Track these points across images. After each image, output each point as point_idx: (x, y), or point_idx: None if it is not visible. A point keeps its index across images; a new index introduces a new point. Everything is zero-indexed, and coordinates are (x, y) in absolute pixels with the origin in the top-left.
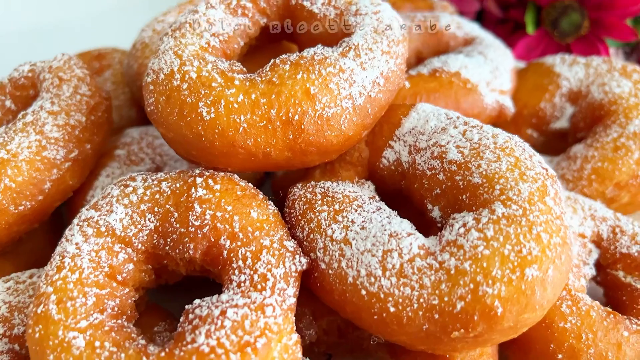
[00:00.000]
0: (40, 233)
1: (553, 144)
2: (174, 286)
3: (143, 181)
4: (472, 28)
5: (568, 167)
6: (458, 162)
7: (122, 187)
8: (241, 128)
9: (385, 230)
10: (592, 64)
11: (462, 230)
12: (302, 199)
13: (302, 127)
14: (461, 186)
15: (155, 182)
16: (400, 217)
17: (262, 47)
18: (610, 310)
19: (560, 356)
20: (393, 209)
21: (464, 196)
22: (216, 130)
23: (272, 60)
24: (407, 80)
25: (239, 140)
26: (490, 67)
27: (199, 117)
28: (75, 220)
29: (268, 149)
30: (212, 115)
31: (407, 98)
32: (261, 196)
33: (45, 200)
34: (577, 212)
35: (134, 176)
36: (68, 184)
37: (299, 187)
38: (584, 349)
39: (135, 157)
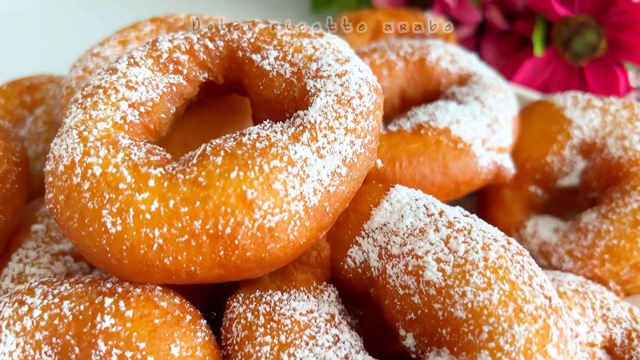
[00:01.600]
0: None
1: (559, 200)
2: None
3: (42, 297)
4: (468, 61)
5: (577, 242)
6: (437, 286)
7: (15, 306)
8: (155, 244)
9: None
10: (609, 110)
11: None
12: (242, 320)
13: (236, 241)
14: (440, 317)
15: (57, 300)
16: (367, 321)
17: (207, 100)
18: None
19: None
20: (359, 309)
21: (444, 330)
22: (124, 247)
23: (203, 147)
24: (385, 138)
25: (152, 259)
26: (488, 119)
27: (103, 229)
28: None
29: (192, 268)
30: (119, 228)
31: (384, 163)
32: (188, 319)
33: None
34: (586, 313)
35: (32, 287)
36: None
37: (240, 300)
38: None
39: (56, 233)
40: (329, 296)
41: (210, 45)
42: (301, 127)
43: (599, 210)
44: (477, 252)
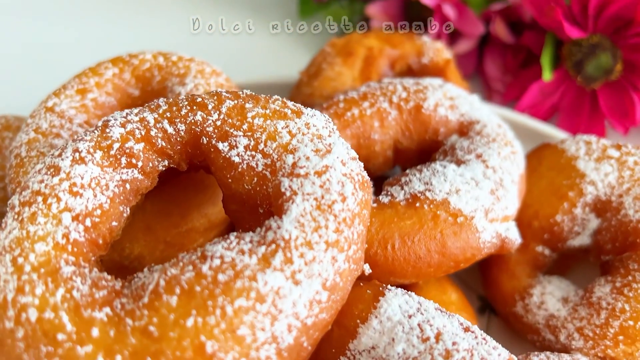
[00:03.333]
0: None
1: (568, 259)
2: None
3: None
4: (470, 106)
5: (589, 320)
6: None
7: None
8: None
9: None
10: (627, 163)
11: None
12: None
13: None
14: None
15: None
16: None
17: (171, 177)
18: None
19: None
20: None
21: None
22: None
23: (155, 279)
24: (376, 214)
25: None
26: (491, 184)
27: None
28: None
29: None
30: None
31: (373, 244)
32: None
33: None
34: None
35: None
36: None
37: None
38: None
39: None
40: None
41: (170, 130)
42: (273, 246)
43: (613, 283)
44: None
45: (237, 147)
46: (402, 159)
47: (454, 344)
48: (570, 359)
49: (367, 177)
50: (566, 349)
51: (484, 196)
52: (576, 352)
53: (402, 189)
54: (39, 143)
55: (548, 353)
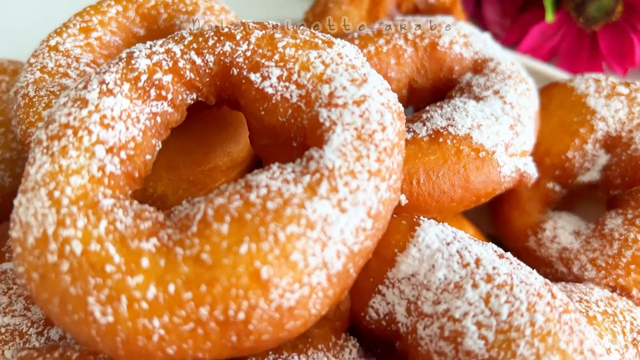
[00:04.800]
0: None
1: (576, 193)
2: None
3: None
4: (483, 44)
5: (602, 251)
6: (479, 357)
7: None
8: (156, 335)
9: None
10: (637, 99)
11: None
12: None
13: (250, 326)
14: None
15: None
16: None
17: (193, 114)
18: None
19: None
20: (377, 348)
21: None
22: (118, 339)
23: (202, 209)
24: None
25: (153, 349)
26: (510, 120)
27: (91, 318)
28: None
29: (200, 355)
30: (110, 319)
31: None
32: None
33: None
34: (616, 340)
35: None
36: None
37: None
38: None
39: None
40: (349, 353)
41: (198, 61)
42: (318, 175)
43: (624, 215)
44: (522, 315)
45: (269, 78)
46: (415, 98)
47: (494, 268)
48: (585, 288)
49: (402, 108)
50: (579, 280)
51: (503, 131)
52: (588, 282)
53: (424, 125)
54: (47, 83)
55: (563, 283)
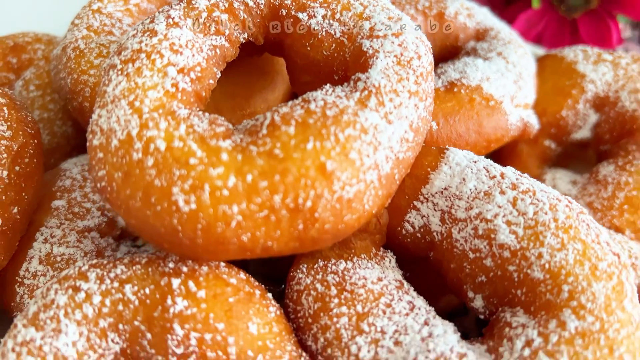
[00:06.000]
0: None
1: (570, 153)
2: None
3: (99, 282)
4: (484, 16)
5: (597, 194)
6: (512, 248)
7: (70, 292)
8: (234, 222)
9: (429, 351)
10: (620, 64)
11: (527, 352)
12: (312, 292)
13: (316, 214)
14: (516, 279)
15: (116, 284)
16: (416, 281)
17: (236, 62)
18: None
19: None
20: (406, 270)
21: (519, 291)
22: (199, 226)
23: (269, 117)
24: None
25: (230, 236)
26: (513, 76)
27: (174, 208)
28: (9, 343)
29: (269, 243)
30: (193, 206)
31: None
32: (258, 294)
33: None
34: None
35: (84, 272)
36: None
37: (304, 270)
38: None
39: (79, 209)
40: (389, 262)
41: (251, 3)
42: (366, 92)
43: (616, 162)
44: (546, 213)
45: (315, 17)
46: None
47: (517, 179)
48: None
49: (430, 45)
50: None
51: (509, 85)
52: None
53: (440, 78)
54: (93, 39)
55: None
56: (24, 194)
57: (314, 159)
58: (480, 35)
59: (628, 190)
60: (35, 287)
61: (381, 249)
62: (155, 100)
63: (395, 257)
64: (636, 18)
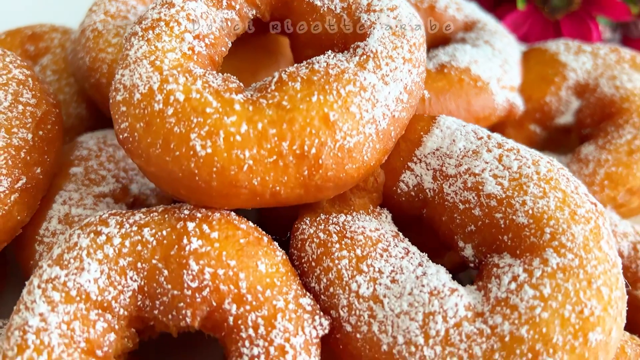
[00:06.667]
0: None
1: (555, 139)
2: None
3: (118, 226)
4: (472, 10)
5: (579, 172)
6: (498, 197)
7: (92, 236)
8: (246, 165)
9: (424, 285)
10: (599, 54)
11: (513, 285)
12: (315, 240)
13: (320, 161)
14: (502, 225)
15: (135, 228)
16: (413, 242)
17: (243, 40)
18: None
19: None
20: (405, 234)
21: (506, 237)
22: (214, 169)
23: (277, 75)
24: None
25: (242, 179)
26: (499, 61)
27: (191, 152)
28: (35, 281)
29: (277, 188)
30: (209, 150)
31: None
32: (266, 240)
33: None
34: None
35: (105, 219)
36: (16, 220)
37: (308, 223)
38: None
39: (95, 176)
40: (386, 217)
41: None
42: (365, 56)
43: (596, 142)
44: (529, 167)
45: None
46: None
47: (502, 139)
48: None
49: (422, 21)
50: None
51: (495, 68)
52: None
53: (431, 60)
54: (110, 22)
55: None
56: (46, 156)
57: (318, 110)
58: (468, 26)
59: (607, 167)
60: (54, 245)
61: (378, 207)
62: (173, 61)
63: (391, 214)
64: (614, 17)
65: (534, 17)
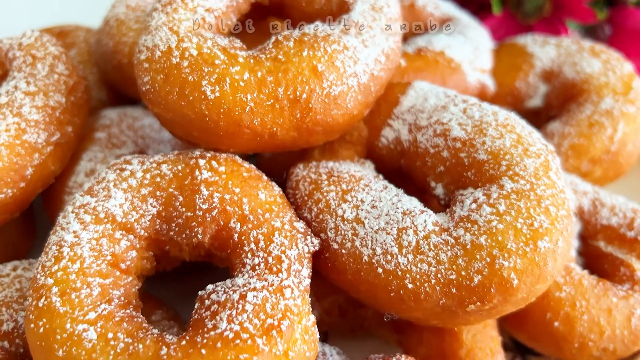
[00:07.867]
0: (12, 224)
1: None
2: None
3: (140, 164)
4: (448, 8)
5: None
6: (462, 139)
7: (118, 171)
8: (248, 107)
9: (398, 208)
10: (562, 44)
11: (473, 206)
12: (307, 179)
13: (310, 105)
14: (466, 163)
15: (154, 165)
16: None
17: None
18: (599, 278)
19: (556, 324)
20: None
21: (469, 173)
22: (221, 110)
23: (274, 37)
24: None
25: (245, 119)
26: (471, 47)
27: (203, 96)
28: (69, 207)
29: (275, 129)
30: (217, 94)
31: (394, 77)
32: (265, 178)
33: (27, 188)
34: None
35: (129, 159)
36: (50, 170)
37: (301, 167)
38: (579, 315)
39: (116, 140)
40: (369, 166)
41: None
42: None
43: (560, 119)
44: (489, 116)
45: None
46: None
47: (468, 97)
48: None
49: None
50: None
51: (467, 52)
52: None
53: (409, 45)
54: (131, 14)
55: None
56: (76, 118)
57: (308, 62)
58: (445, 22)
59: (570, 139)
60: None
61: (362, 159)
62: (188, 27)
63: (374, 165)
64: (581, 20)
65: (509, 22)
